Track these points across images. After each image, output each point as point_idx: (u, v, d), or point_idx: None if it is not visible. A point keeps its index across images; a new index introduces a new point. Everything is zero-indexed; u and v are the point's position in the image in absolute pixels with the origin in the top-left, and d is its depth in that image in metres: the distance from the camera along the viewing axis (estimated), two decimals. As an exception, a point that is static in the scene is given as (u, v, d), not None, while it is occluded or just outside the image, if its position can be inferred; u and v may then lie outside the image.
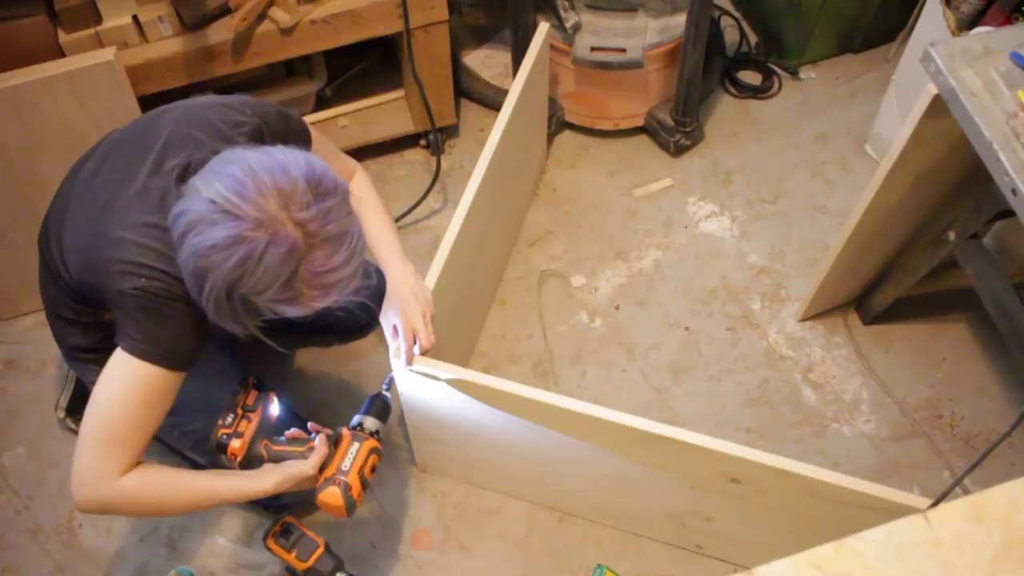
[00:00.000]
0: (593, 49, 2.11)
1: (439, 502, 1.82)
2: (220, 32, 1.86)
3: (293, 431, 1.41)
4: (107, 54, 1.74)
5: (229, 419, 1.38)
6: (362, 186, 1.55)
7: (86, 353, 1.49)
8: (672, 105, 2.25)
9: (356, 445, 1.39)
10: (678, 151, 2.33)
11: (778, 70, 2.50)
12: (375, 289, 1.44)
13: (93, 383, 1.26)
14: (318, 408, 1.92)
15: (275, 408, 1.43)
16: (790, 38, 2.48)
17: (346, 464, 1.37)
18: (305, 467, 1.35)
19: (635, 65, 2.11)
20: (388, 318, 1.46)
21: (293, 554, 1.44)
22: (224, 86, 2.04)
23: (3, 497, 1.84)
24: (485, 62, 2.44)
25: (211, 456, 1.57)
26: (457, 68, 2.33)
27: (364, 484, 1.38)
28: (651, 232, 2.21)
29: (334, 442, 1.40)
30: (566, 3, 2.10)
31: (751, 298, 2.09)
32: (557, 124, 2.32)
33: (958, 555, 0.67)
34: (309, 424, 1.42)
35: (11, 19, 1.72)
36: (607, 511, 1.75)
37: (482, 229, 1.80)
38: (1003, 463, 1.82)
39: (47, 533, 1.79)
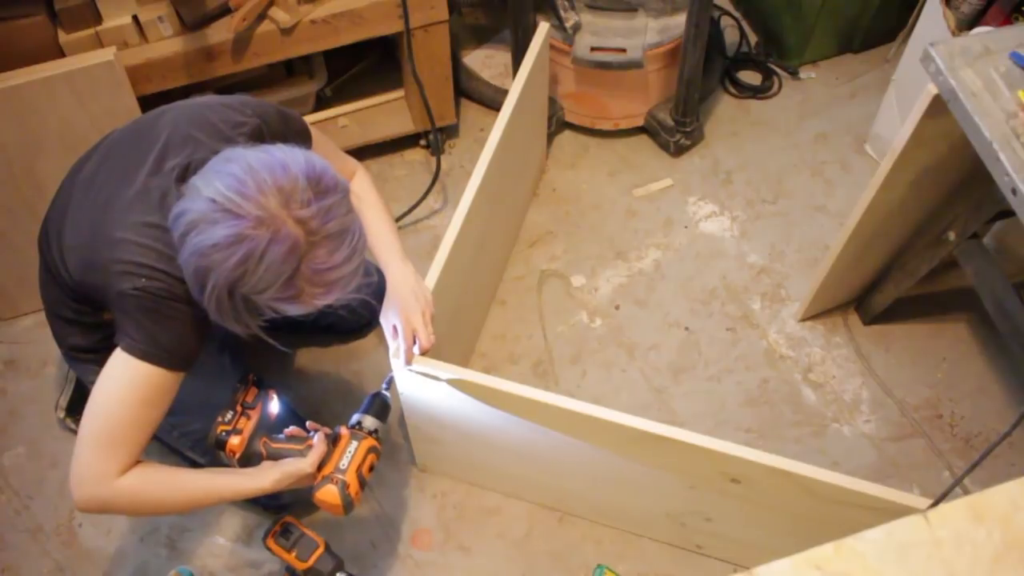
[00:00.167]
0: (593, 49, 2.10)
1: (439, 502, 1.82)
2: (220, 32, 1.86)
3: (292, 429, 1.41)
4: (107, 54, 1.74)
5: (228, 416, 1.38)
6: (363, 185, 1.55)
7: (86, 353, 1.49)
8: (672, 105, 2.25)
9: (354, 444, 1.39)
10: (678, 151, 2.33)
11: (778, 70, 2.50)
12: (376, 287, 1.45)
13: (93, 383, 1.26)
14: (318, 408, 1.92)
15: (275, 406, 1.43)
16: (790, 38, 2.48)
17: (344, 462, 1.37)
18: (303, 465, 1.35)
19: (635, 65, 2.11)
20: (388, 318, 1.46)
21: (293, 554, 1.44)
22: (224, 86, 2.04)
23: (3, 497, 1.84)
24: (485, 62, 2.44)
25: (211, 456, 1.57)
26: (457, 68, 2.33)
27: (362, 483, 1.38)
28: (651, 232, 2.21)
29: (333, 441, 1.40)
30: (566, 3, 2.10)
31: (751, 298, 2.09)
32: (557, 124, 2.32)
33: (958, 555, 0.67)
34: (308, 423, 1.42)
35: (11, 19, 1.72)
36: (607, 511, 1.75)
37: (482, 229, 1.80)
38: (1003, 463, 1.82)
39: (47, 533, 1.79)
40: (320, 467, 1.37)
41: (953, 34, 1.83)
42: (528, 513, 1.80)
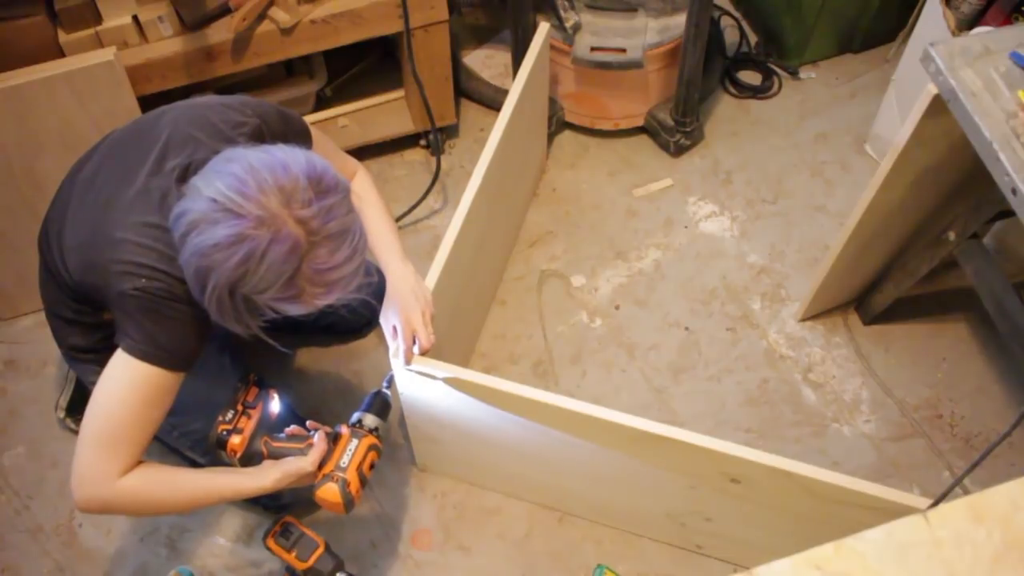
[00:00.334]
0: (593, 49, 2.10)
1: (439, 502, 1.82)
2: (220, 32, 1.86)
3: (293, 428, 1.41)
4: (107, 54, 1.74)
5: (229, 415, 1.39)
6: (363, 185, 1.55)
7: (86, 353, 1.49)
8: (672, 105, 2.25)
9: (355, 442, 1.40)
10: (678, 151, 2.33)
11: (778, 70, 2.50)
12: (376, 287, 1.45)
13: (93, 383, 1.26)
14: (318, 408, 1.92)
15: (275, 405, 1.43)
16: (790, 38, 2.48)
17: (344, 461, 1.38)
18: (304, 463, 1.35)
19: (635, 65, 2.11)
20: (388, 318, 1.46)
21: (293, 554, 1.44)
22: (224, 86, 2.05)
23: (3, 497, 1.84)
24: (485, 62, 2.44)
25: (211, 456, 1.57)
26: (457, 68, 2.33)
27: (363, 481, 1.38)
28: (651, 232, 2.21)
29: (333, 439, 1.40)
30: (566, 3, 2.10)
31: (751, 298, 2.09)
32: (557, 124, 2.32)
33: (958, 555, 0.67)
34: (308, 422, 1.42)
35: (11, 19, 1.72)
36: (607, 511, 1.75)
37: (482, 229, 1.80)
38: (1003, 463, 1.82)
39: (47, 533, 1.79)
40: (321, 466, 1.37)
41: (953, 34, 1.83)
42: (528, 513, 1.80)
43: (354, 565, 1.71)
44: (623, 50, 2.10)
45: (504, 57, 2.41)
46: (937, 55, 1.35)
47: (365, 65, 2.35)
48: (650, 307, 2.09)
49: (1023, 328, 1.64)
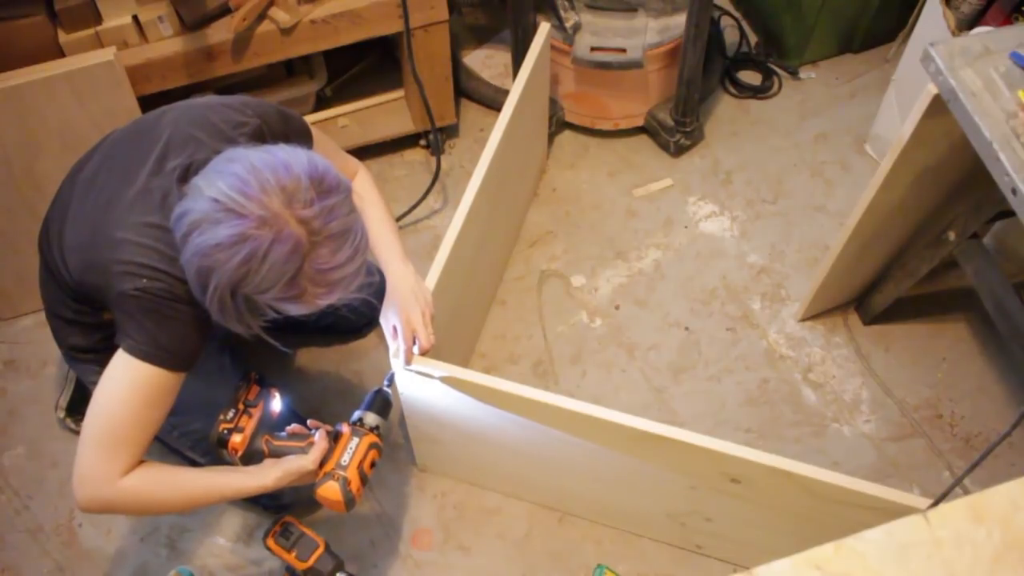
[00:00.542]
0: (593, 49, 2.10)
1: (439, 502, 1.82)
2: (220, 32, 1.86)
3: (294, 426, 1.41)
4: (107, 54, 1.74)
5: (230, 414, 1.39)
6: (364, 185, 1.55)
7: (86, 353, 1.49)
8: (672, 105, 2.25)
9: (356, 440, 1.40)
10: (678, 151, 2.33)
11: (778, 70, 2.50)
12: (377, 287, 1.45)
13: (93, 383, 1.26)
14: (318, 407, 1.92)
15: (276, 404, 1.43)
16: (790, 38, 2.48)
17: (345, 459, 1.38)
18: (305, 462, 1.35)
19: (635, 65, 2.11)
20: (388, 318, 1.46)
21: (293, 554, 1.44)
22: (224, 86, 2.05)
23: (3, 497, 1.84)
24: (485, 62, 2.44)
25: (211, 456, 1.57)
26: (457, 68, 2.33)
27: (363, 479, 1.38)
28: (651, 232, 2.21)
29: (334, 438, 1.40)
30: (566, 3, 2.10)
31: (751, 298, 2.09)
32: (557, 124, 2.32)
33: (958, 555, 0.67)
34: (309, 421, 1.42)
35: (11, 19, 1.72)
36: (607, 511, 1.75)
37: (482, 229, 1.80)
38: (1003, 463, 1.82)
39: (47, 533, 1.79)
40: (322, 464, 1.37)
41: (953, 34, 1.84)
42: (528, 513, 1.80)
43: (354, 565, 1.71)
44: (623, 50, 2.10)
45: (504, 57, 2.41)
46: (937, 55, 1.36)
47: (365, 65, 2.35)
48: (650, 307, 2.09)
49: (1023, 328, 1.64)
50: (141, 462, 1.26)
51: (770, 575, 0.67)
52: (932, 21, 1.93)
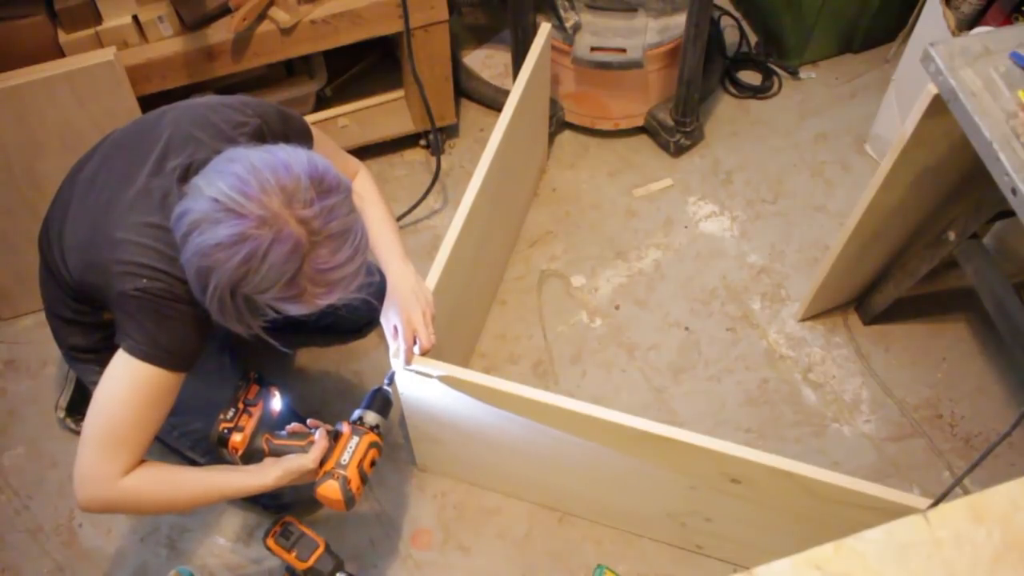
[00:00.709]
0: (593, 49, 2.10)
1: (439, 502, 1.82)
2: (220, 32, 1.86)
3: (294, 426, 1.41)
4: (107, 54, 1.75)
5: (230, 413, 1.39)
6: (365, 185, 1.55)
7: (86, 353, 1.49)
8: (672, 105, 2.25)
9: (356, 439, 1.40)
10: (678, 151, 2.33)
11: (778, 70, 2.50)
12: (377, 287, 1.45)
13: (93, 383, 1.26)
14: (318, 407, 1.92)
15: (276, 403, 1.44)
16: (790, 38, 2.48)
17: (345, 458, 1.38)
18: (306, 461, 1.35)
19: (635, 65, 2.11)
20: (388, 318, 1.46)
21: (293, 554, 1.44)
22: (224, 86, 2.05)
23: (3, 497, 1.84)
24: (485, 62, 2.44)
25: (210, 456, 1.57)
26: (457, 68, 2.33)
27: (363, 478, 1.38)
28: (651, 232, 2.21)
29: (334, 437, 1.40)
30: (566, 3, 2.10)
31: (751, 298, 2.09)
32: (557, 124, 2.32)
33: (958, 555, 0.67)
34: (309, 420, 1.42)
35: (11, 19, 1.72)
36: (607, 511, 1.75)
37: (482, 229, 1.80)
38: (1003, 463, 1.82)
39: (47, 533, 1.79)
40: (322, 463, 1.37)
41: (953, 34, 1.84)
42: (528, 513, 1.80)
43: (354, 565, 1.71)
44: (623, 50, 2.10)
45: (504, 57, 2.41)
46: (937, 55, 1.36)
47: (365, 65, 2.35)
48: (650, 307, 2.09)
49: (1023, 328, 1.64)
50: (142, 462, 1.27)
51: (770, 575, 0.67)
52: (932, 21, 1.93)
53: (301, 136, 1.39)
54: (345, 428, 1.42)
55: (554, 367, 1.99)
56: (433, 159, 2.25)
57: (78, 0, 1.73)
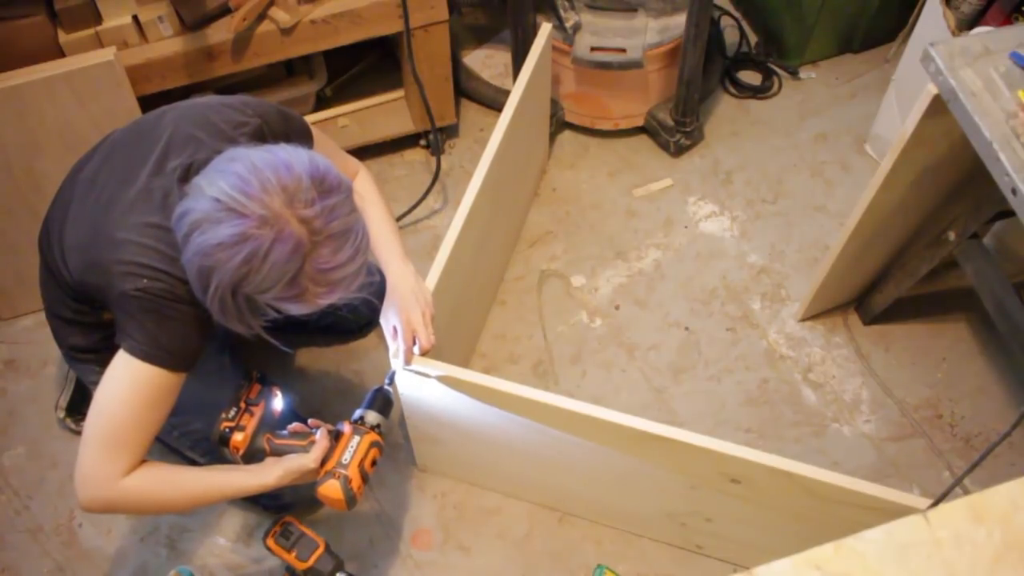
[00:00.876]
0: (593, 49, 2.11)
1: (439, 502, 1.82)
2: (220, 32, 1.86)
3: (295, 425, 1.41)
4: (107, 54, 1.75)
5: (232, 413, 1.39)
6: (365, 185, 1.55)
7: (86, 353, 1.49)
8: (672, 105, 2.25)
9: (357, 439, 1.40)
10: (678, 151, 2.33)
11: (778, 70, 2.50)
12: (377, 287, 1.45)
13: (93, 383, 1.26)
14: (319, 407, 1.92)
15: (278, 402, 1.44)
16: (790, 38, 2.48)
17: (346, 457, 1.38)
18: (307, 460, 1.35)
19: (635, 65, 2.12)
20: (388, 318, 1.46)
21: (293, 554, 1.44)
22: (224, 86, 2.05)
23: (3, 497, 1.84)
24: (485, 62, 2.44)
25: (211, 456, 1.57)
26: (457, 68, 2.33)
27: (364, 477, 1.38)
28: (651, 232, 2.21)
29: (335, 436, 1.40)
30: (566, 3, 2.10)
31: (751, 298, 2.09)
32: (557, 124, 2.33)
33: (958, 555, 0.67)
34: (310, 420, 1.42)
35: (11, 19, 1.72)
36: (607, 511, 1.75)
37: (483, 229, 1.80)
38: (1003, 463, 1.82)
39: (47, 533, 1.79)
40: (323, 463, 1.37)
41: (953, 34, 1.84)
42: (528, 513, 1.80)
43: (354, 565, 1.71)
44: (623, 50, 2.10)
45: (504, 57, 2.41)
46: (937, 55, 1.36)
47: (365, 65, 2.35)
48: (650, 307, 2.09)
49: (1023, 328, 1.64)
50: (143, 462, 1.27)
51: (770, 575, 0.67)
52: (932, 21, 1.93)
53: (301, 136, 1.39)
54: (346, 428, 1.42)
55: (554, 367, 1.99)
56: (433, 159, 2.25)
57: (78, 0, 1.73)
